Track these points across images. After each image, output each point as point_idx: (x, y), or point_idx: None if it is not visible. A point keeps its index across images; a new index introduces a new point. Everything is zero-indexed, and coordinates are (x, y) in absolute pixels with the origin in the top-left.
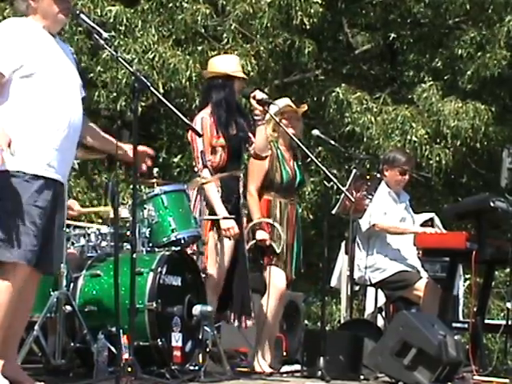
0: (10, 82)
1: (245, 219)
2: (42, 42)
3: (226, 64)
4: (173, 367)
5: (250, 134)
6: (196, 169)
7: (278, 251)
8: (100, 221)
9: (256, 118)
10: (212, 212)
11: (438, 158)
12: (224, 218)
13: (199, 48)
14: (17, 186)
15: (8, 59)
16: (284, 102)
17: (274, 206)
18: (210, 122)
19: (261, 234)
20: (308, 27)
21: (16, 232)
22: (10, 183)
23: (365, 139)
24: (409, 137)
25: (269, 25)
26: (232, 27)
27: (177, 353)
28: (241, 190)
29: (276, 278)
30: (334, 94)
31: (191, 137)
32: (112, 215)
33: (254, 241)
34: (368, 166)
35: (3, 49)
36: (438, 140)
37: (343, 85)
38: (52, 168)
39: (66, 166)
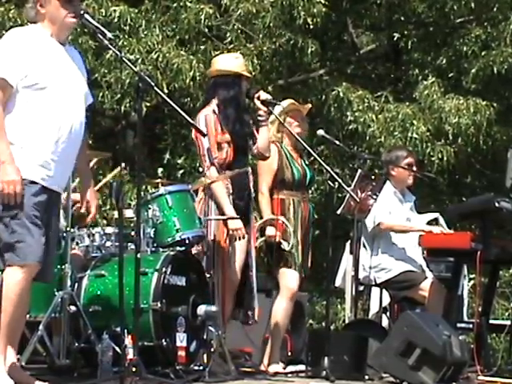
0: (15, 92)
1: (253, 217)
2: (48, 51)
3: (234, 63)
4: (177, 367)
5: (254, 130)
6: (202, 168)
7: (287, 249)
8: (105, 221)
9: (260, 118)
10: (221, 212)
11: (440, 156)
12: (229, 219)
13: (202, 47)
14: None
15: (14, 69)
16: (288, 101)
17: (287, 204)
18: (214, 118)
19: (270, 230)
20: (311, 27)
21: (20, 234)
22: None
23: (367, 137)
24: (409, 134)
25: (271, 24)
26: (235, 27)
27: (181, 353)
28: (251, 184)
29: (289, 280)
30: (334, 92)
31: (196, 135)
32: (116, 215)
33: (263, 238)
34: (370, 164)
35: (9, 59)
36: (441, 137)
37: (344, 83)
38: (50, 178)
39: (65, 176)
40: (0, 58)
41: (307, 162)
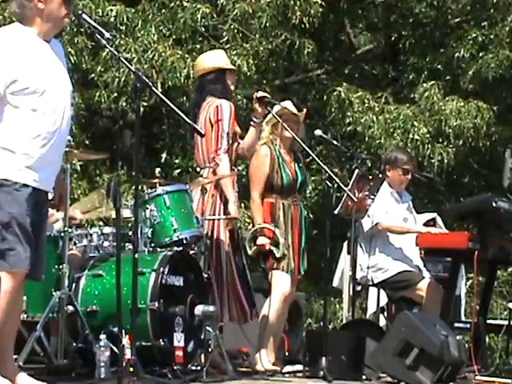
0: (3, 98)
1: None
2: (36, 52)
3: (215, 59)
4: (175, 367)
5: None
6: (213, 153)
7: (277, 255)
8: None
9: (255, 119)
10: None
11: (439, 158)
12: (227, 219)
13: (198, 47)
14: (8, 195)
15: (2, 76)
16: (284, 104)
17: (277, 208)
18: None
19: (261, 240)
20: (308, 27)
21: (11, 242)
22: (2, 192)
23: (366, 138)
24: (411, 135)
25: (268, 24)
26: (232, 27)
27: (179, 353)
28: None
29: (280, 282)
30: (335, 93)
31: (216, 116)
32: (113, 216)
33: (256, 247)
34: (369, 165)
35: None
36: (440, 139)
37: (345, 84)
38: (41, 179)
39: (53, 176)
40: None
41: (301, 165)
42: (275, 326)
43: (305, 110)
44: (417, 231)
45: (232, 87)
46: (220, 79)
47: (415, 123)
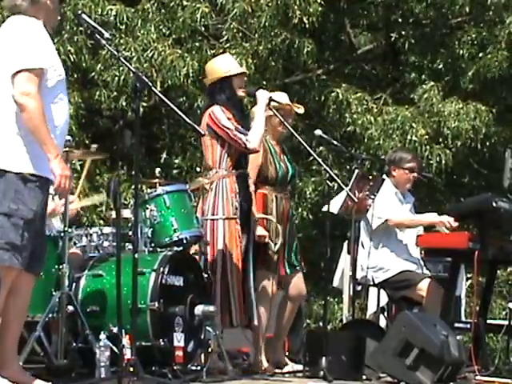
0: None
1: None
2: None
3: (218, 67)
4: (175, 367)
5: None
6: (244, 143)
7: (275, 249)
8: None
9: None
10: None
11: (438, 159)
12: (226, 219)
13: (198, 45)
14: (31, 191)
15: (47, 60)
16: (283, 98)
17: (269, 200)
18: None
19: (260, 230)
20: (307, 26)
21: (27, 239)
22: (26, 187)
23: (365, 140)
24: (409, 137)
25: (267, 24)
26: (231, 26)
27: (179, 353)
28: (251, 187)
29: (267, 282)
30: (333, 94)
31: (213, 122)
32: (113, 215)
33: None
34: (369, 166)
35: (41, 49)
36: (440, 139)
37: (343, 85)
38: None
39: None
40: (31, 48)
41: (289, 157)
42: (267, 326)
43: (302, 107)
44: (428, 222)
45: (240, 92)
46: (224, 88)
47: (413, 124)
